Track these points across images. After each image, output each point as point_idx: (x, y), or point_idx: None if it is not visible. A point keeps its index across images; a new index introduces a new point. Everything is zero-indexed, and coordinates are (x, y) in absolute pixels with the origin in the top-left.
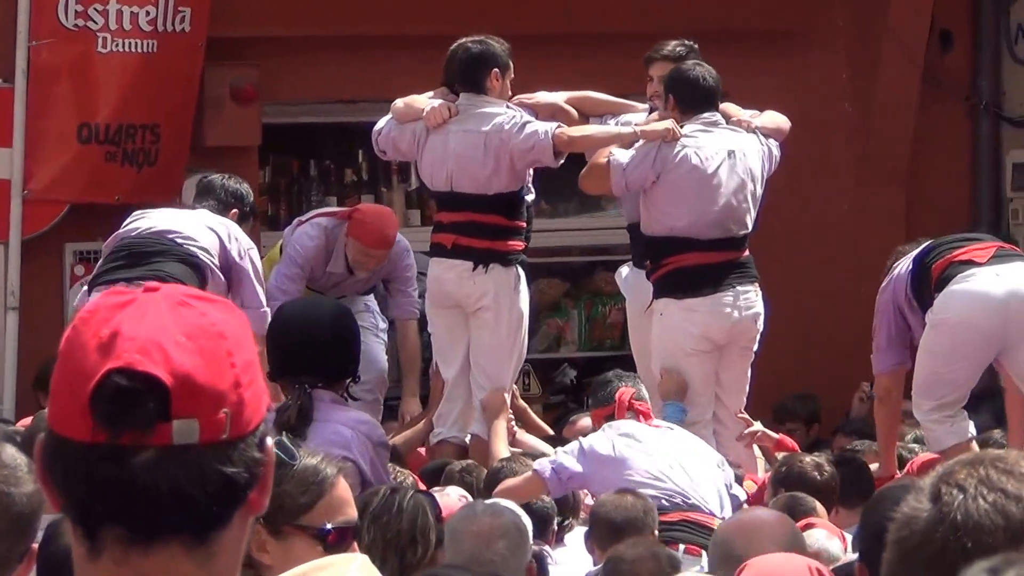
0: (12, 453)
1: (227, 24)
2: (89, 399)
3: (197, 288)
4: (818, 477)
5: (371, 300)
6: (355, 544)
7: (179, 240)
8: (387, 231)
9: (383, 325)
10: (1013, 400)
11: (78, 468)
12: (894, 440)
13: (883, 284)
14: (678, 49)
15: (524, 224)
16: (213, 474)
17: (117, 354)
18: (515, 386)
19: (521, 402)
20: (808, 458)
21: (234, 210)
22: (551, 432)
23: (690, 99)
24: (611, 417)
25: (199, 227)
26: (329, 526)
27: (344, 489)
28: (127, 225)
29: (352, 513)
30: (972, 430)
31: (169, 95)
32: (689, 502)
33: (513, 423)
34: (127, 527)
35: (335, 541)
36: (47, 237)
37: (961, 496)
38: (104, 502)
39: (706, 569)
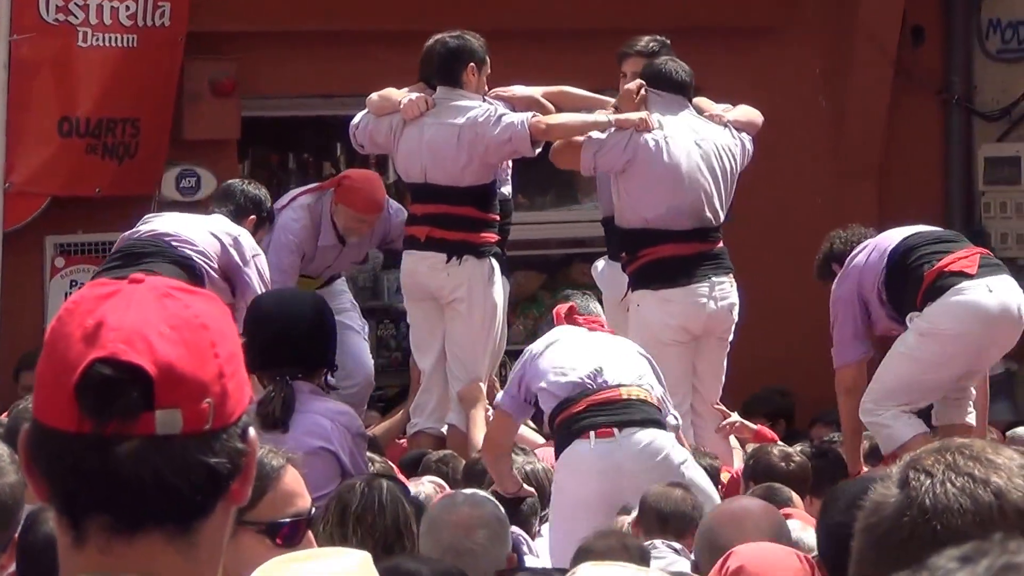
0: None
1: (206, 19)
2: (74, 388)
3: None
4: (785, 467)
5: (352, 299)
6: (310, 534)
7: (175, 243)
8: (377, 195)
9: (365, 324)
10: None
11: (64, 458)
12: (860, 434)
13: (841, 273)
14: (651, 45)
15: (497, 217)
16: (196, 464)
17: (102, 344)
18: (494, 377)
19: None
20: (776, 449)
21: (252, 216)
22: (530, 424)
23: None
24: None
25: (200, 231)
26: (279, 520)
27: (293, 481)
28: (135, 228)
29: (304, 504)
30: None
31: (149, 89)
32: (595, 385)
33: (490, 413)
34: (112, 516)
35: (287, 535)
36: (28, 229)
37: (929, 481)
38: (89, 491)
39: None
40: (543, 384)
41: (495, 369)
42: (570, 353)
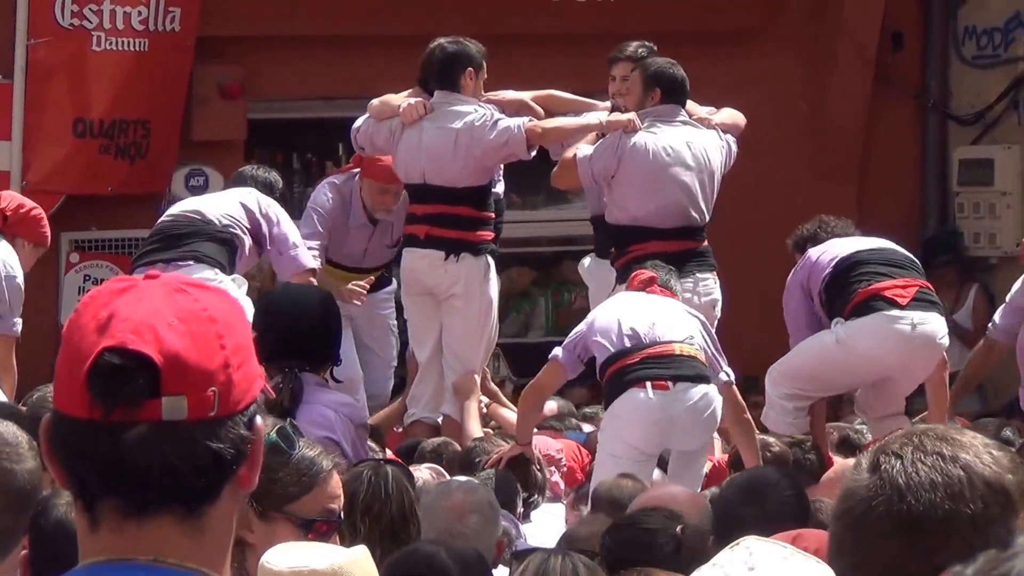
0: (14, 431)
1: (215, 24)
2: (85, 376)
3: (227, 262)
4: (764, 456)
5: (392, 320)
6: (336, 537)
7: (209, 217)
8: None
9: (396, 343)
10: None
11: (76, 444)
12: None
13: (798, 263)
14: (640, 50)
15: (493, 215)
16: (201, 449)
17: (111, 334)
18: (486, 369)
19: (492, 384)
20: (757, 438)
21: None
22: None
23: (671, 93)
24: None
25: (226, 201)
26: (315, 518)
27: (336, 485)
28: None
29: (338, 507)
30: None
31: (159, 92)
32: (649, 340)
33: (483, 404)
34: (121, 499)
35: (322, 532)
36: None
37: (899, 463)
38: (99, 476)
39: None
40: (597, 337)
41: (487, 361)
42: (627, 310)
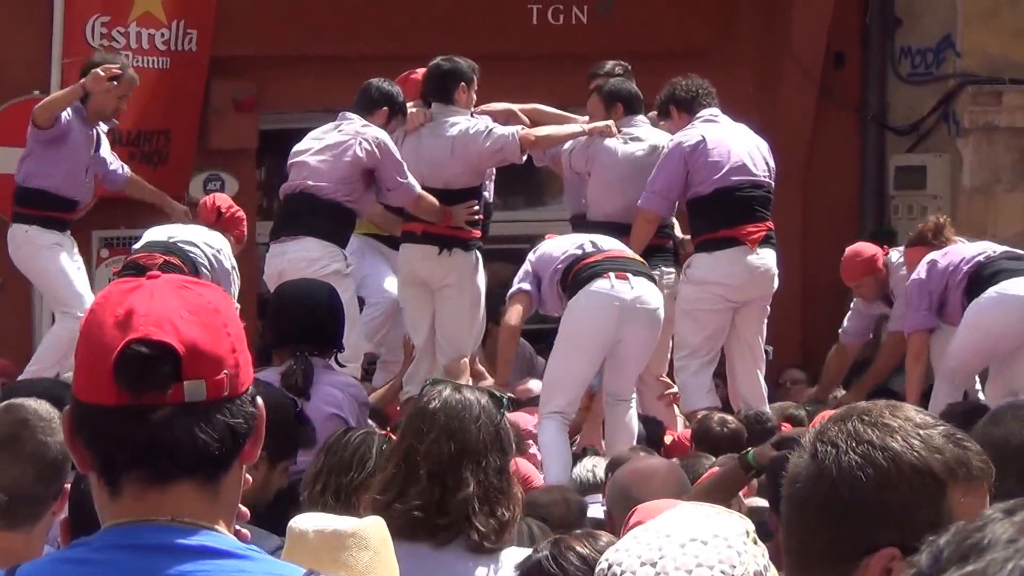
0: (47, 407)
1: (229, 44)
2: (113, 367)
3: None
4: (720, 431)
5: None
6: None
7: (322, 191)
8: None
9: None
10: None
11: (106, 428)
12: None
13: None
14: (616, 69)
15: (482, 216)
16: (220, 425)
17: (135, 327)
18: (474, 353)
19: (479, 367)
20: (716, 415)
21: (384, 107)
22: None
23: (630, 106)
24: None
25: (336, 165)
26: None
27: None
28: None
29: None
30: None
31: (179, 105)
32: (601, 248)
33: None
34: (146, 471)
35: None
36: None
37: (835, 452)
38: (127, 454)
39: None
40: (559, 255)
41: (477, 345)
42: (565, 239)
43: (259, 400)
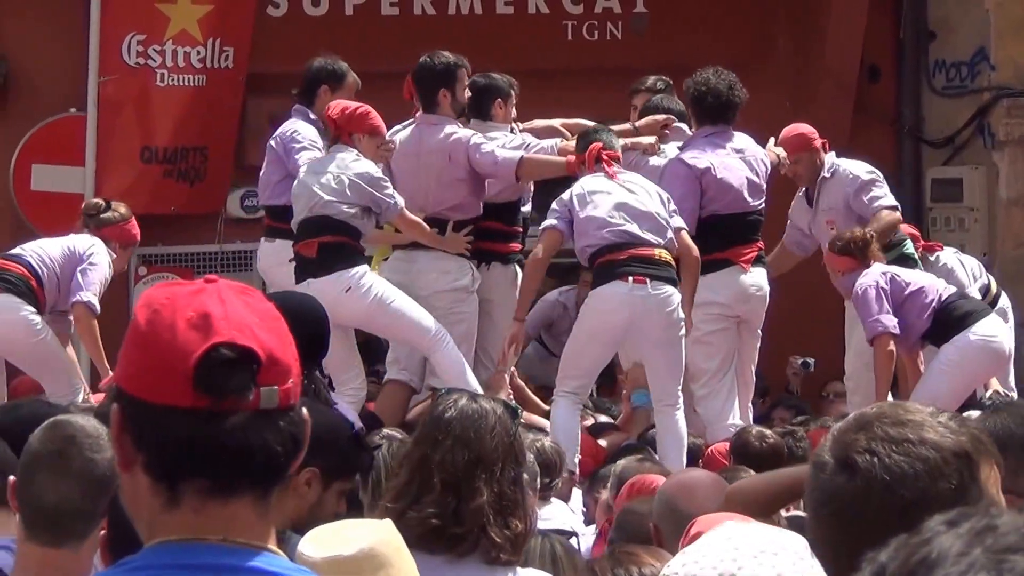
0: (94, 424)
1: (265, 62)
2: (194, 369)
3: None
4: (759, 446)
5: None
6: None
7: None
8: None
9: None
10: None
11: (176, 430)
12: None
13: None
14: (658, 84)
15: (520, 229)
16: (287, 434)
17: (216, 331)
18: (514, 369)
19: (519, 380)
20: (755, 429)
21: (323, 85)
22: (545, 407)
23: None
24: (584, 164)
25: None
26: None
27: None
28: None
29: None
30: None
31: (216, 122)
32: (635, 240)
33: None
34: (210, 480)
35: None
36: None
37: (875, 459)
38: (194, 459)
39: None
40: (594, 230)
41: (516, 360)
42: (617, 207)
43: (304, 412)
